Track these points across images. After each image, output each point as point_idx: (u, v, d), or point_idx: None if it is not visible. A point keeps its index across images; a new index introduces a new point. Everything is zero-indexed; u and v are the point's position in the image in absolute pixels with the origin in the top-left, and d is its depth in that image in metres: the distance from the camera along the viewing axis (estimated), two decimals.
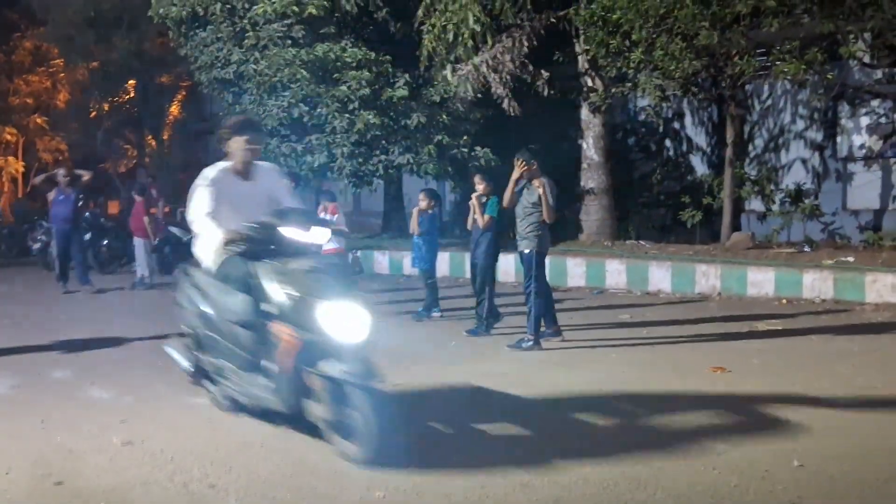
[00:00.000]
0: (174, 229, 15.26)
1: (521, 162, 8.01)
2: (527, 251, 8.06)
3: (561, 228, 16.44)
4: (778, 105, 16.50)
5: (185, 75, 28.73)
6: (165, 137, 34.67)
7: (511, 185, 8.15)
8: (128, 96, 33.25)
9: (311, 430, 5.39)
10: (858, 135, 15.32)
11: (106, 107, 32.75)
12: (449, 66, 14.31)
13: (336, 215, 10.34)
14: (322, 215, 10.48)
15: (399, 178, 17.19)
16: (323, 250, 10.51)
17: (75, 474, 4.62)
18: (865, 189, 15.29)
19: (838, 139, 15.63)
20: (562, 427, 5.47)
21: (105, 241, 16.26)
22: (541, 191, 7.94)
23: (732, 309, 10.56)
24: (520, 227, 8.15)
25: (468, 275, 11.22)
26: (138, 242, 13.80)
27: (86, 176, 13.92)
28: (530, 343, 7.93)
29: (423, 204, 10.00)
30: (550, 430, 5.39)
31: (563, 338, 8.32)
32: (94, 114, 33.62)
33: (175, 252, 15.39)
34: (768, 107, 16.59)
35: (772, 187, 15.30)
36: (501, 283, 12.39)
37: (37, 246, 17.17)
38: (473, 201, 9.06)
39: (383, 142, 14.95)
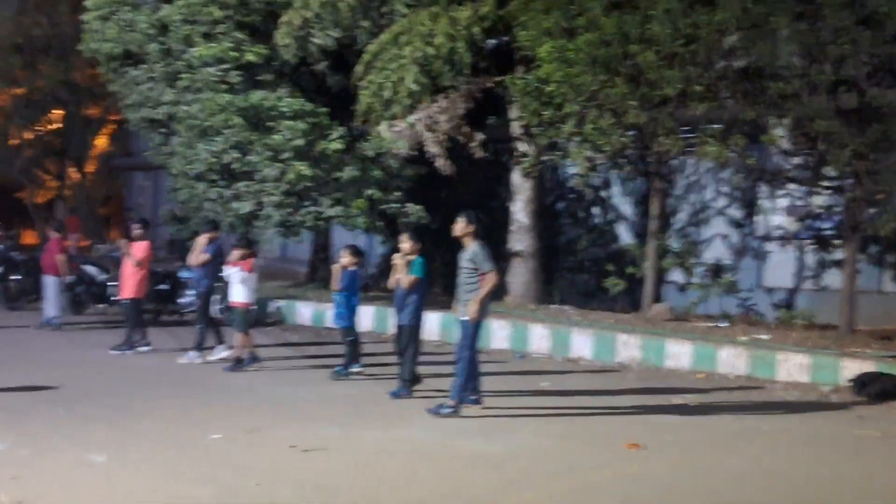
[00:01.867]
0: (89, 267, 14.85)
1: (464, 222, 8.04)
2: (465, 318, 8.00)
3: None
4: (701, 182, 17.02)
5: (113, 108, 28.19)
6: (89, 170, 33.81)
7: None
8: (51, 126, 32.37)
9: (216, 493, 5.19)
10: (776, 215, 15.89)
11: (27, 135, 31.79)
12: (385, 123, 14.35)
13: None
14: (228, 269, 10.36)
15: (328, 229, 17.05)
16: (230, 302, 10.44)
17: None
18: (781, 268, 15.81)
19: (757, 218, 16.18)
20: (472, 501, 5.37)
21: (15, 276, 15.58)
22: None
23: (650, 380, 10.68)
24: (460, 291, 8.10)
25: (392, 330, 11.14)
26: (50, 280, 13.27)
27: None
28: (450, 409, 7.83)
29: (345, 260, 9.89)
30: None
31: (482, 405, 8.25)
32: (15, 141, 32.60)
33: (88, 292, 14.90)
34: (692, 182, 17.10)
35: (692, 260, 15.70)
36: (426, 341, 12.33)
37: None
38: (397, 260, 8.95)
39: (314, 193, 14.83)
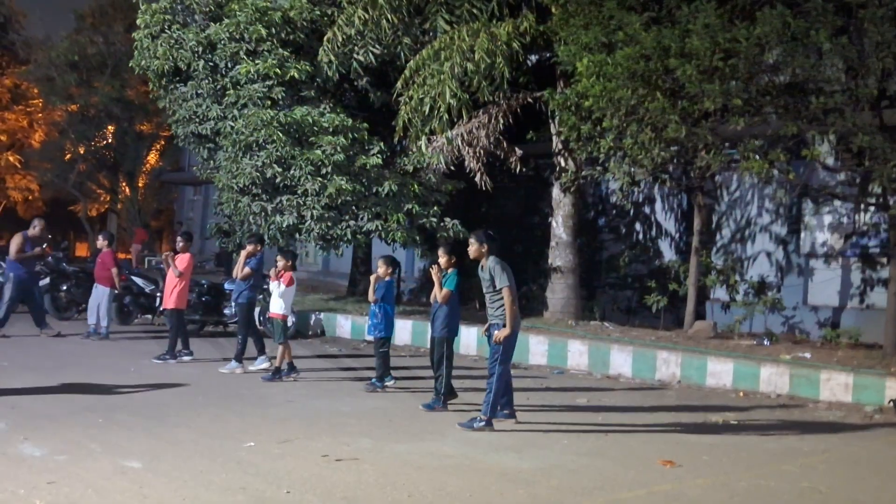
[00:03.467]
0: (137, 279, 15.17)
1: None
2: (495, 333, 8.02)
3: (526, 304, 16.50)
4: (745, 198, 16.80)
5: (164, 124, 28.85)
6: (140, 185, 34.57)
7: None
8: (105, 141, 33.21)
9: (247, 502, 5.25)
10: (821, 232, 15.59)
11: (82, 149, 32.65)
12: (424, 138, 14.45)
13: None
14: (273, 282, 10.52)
15: (368, 242, 17.18)
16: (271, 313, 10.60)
17: None
18: (826, 286, 15.49)
19: (802, 235, 15.89)
20: None
21: (65, 287, 15.97)
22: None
23: (690, 399, 10.54)
24: (489, 308, 8.13)
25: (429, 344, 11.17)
26: (101, 291, 13.56)
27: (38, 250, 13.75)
28: (482, 423, 7.82)
29: (381, 271, 9.96)
30: None
31: (516, 420, 8.22)
32: (69, 156, 33.50)
33: (135, 302, 15.23)
34: (736, 199, 16.89)
35: (736, 278, 15.48)
36: (462, 355, 12.35)
37: None
38: (434, 274, 9.03)
39: (353, 207, 14.98)
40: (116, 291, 13.89)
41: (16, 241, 13.29)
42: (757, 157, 12.00)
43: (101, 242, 13.92)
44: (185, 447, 6.68)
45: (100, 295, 13.54)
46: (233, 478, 5.85)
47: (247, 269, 11.01)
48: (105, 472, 5.82)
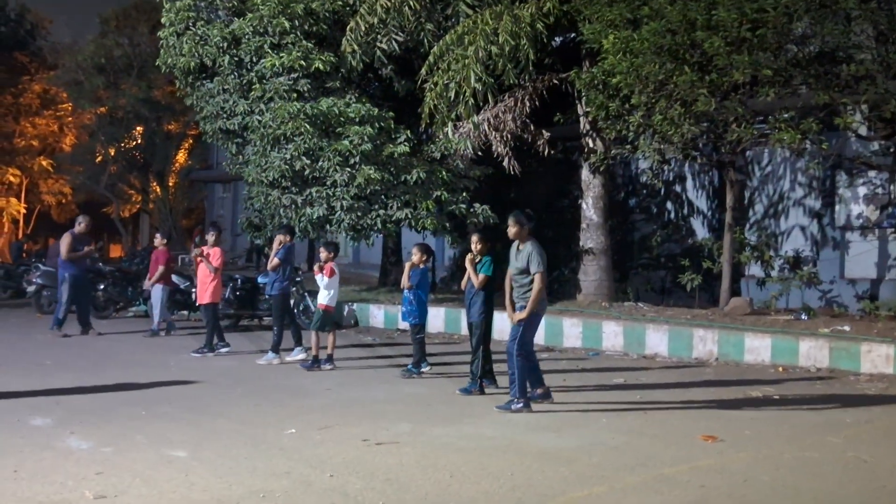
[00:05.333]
0: (174, 276, 15.32)
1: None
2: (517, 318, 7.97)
3: (559, 288, 16.45)
4: (777, 172, 16.58)
5: (192, 123, 29.09)
6: (171, 184, 34.92)
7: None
8: (134, 142, 33.57)
9: (291, 487, 5.30)
10: (856, 204, 15.35)
11: (112, 151, 33.04)
12: (450, 124, 14.42)
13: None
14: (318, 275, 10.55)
15: (398, 232, 17.21)
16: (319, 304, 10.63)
17: None
18: (862, 258, 15.25)
19: (836, 208, 15.66)
20: (539, 499, 5.34)
21: (102, 286, 16.20)
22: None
23: (728, 375, 10.45)
24: (516, 290, 8.09)
25: (463, 331, 11.17)
26: (156, 289, 13.68)
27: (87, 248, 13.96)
28: (520, 405, 7.81)
29: (415, 258, 9.98)
30: (527, 501, 5.26)
31: (552, 400, 8.20)
32: (99, 158, 33.93)
33: (169, 299, 15.39)
34: (768, 173, 16.67)
35: (771, 253, 15.31)
36: (496, 340, 12.32)
37: (32, 288, 17.12)
38: (468, 262, 9.02)
39: (382, 196, 15.00)
40: (171, 288, 14.05)
41: (65, 242, 13.40)
42: (788, 128, 11.83)
43: (158, 240, 14.01)
44: (228, 436, 6.76)
45: (154, 292, 13.69)
46: (276, 463, 5.90)
47: (275, 260, 11.07)
48: (151, 461, 5.90)
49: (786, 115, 12.11)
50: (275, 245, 11.40)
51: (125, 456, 6.03)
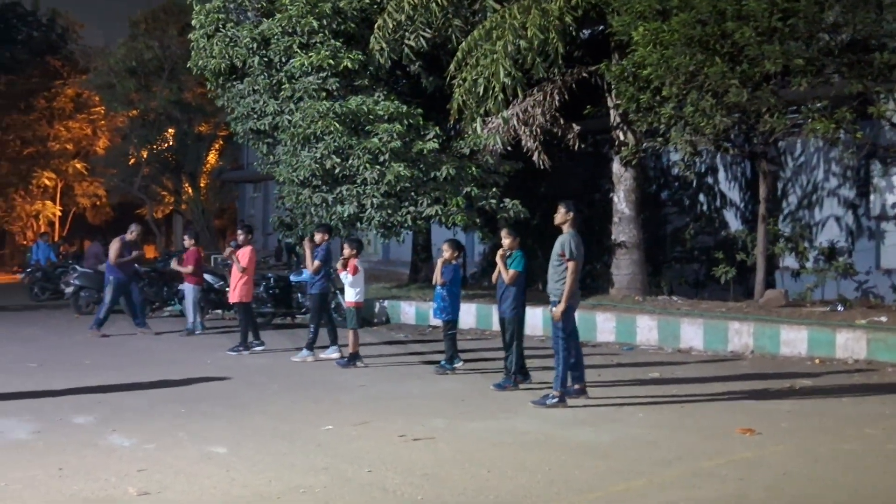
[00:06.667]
0: (208, 276, 15.51)
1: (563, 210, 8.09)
2: (554, 309, 7.99)
3: (591, 282, 16.38)
4: (810, 162, 16.37)
5: (222, 124, 29.38)
6: (202, 185, 35.28)
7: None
8: (166, 144, 33.96)
9: (330, 482, 5.36)
10: (891, 193, 15.10)
11: (144, 153, 33.45)
12: (479, 120, 14.41)
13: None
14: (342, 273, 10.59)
15: (427, 228, 17.24)
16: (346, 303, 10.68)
17: None
18: None
19: (871, 197, 15.42)
20: (577, 493, 5.34)
21: (138, 287, 16.39)
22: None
23: (765, 368, 10.35)
24: (550, 281, 8.09)
25: (495, 327, 11.17)
26: (188, 288, 13.86)
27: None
28: (555, 400, 7.81)
29: (446, 254, 9.99)
30: (565, 496, 5.27)
31: (588, 396, 8.19)
32: (132, 160, 34.36)
33: (207, 298, 15.57)
34: (801, 164, 16.46)
35: (805, 245, 15.12)
36: (528, 336, 12.31)
37: (70, 289, 17.41)
38: (498, 258, 9.02)
39: (412, 193, 15.04)
40: (203, 288, 14.22)
41: (115, 247, 13.72)
42: (822, 117, 11.68)
43: (188, 241, 14.18)
44: (266, 432, 6.84)
45: (188, 292, 13.87)
46: (314, 459, 5.97)
47: (316, 263, 11.11)
48: (192, 458, 5.99)
49: (819, 105, 11.96)
50: (307, 244, 11.46)
51: (167, 453, 6.13)
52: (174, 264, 14.38)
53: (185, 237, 14.56)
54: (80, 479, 5.43)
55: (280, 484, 5.36)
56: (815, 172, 16.24)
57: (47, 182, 36.87)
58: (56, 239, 35.04)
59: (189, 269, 13.67)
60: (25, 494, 5.11)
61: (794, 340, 11.25)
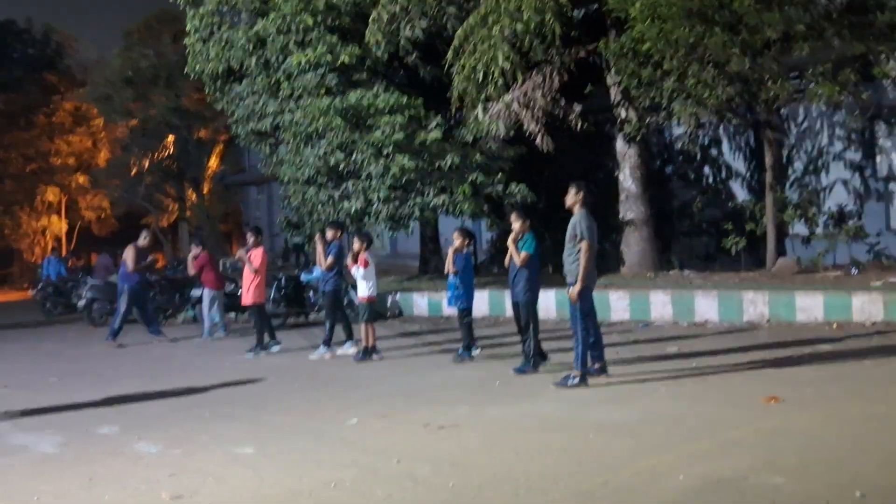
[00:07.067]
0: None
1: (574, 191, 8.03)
2: (570, 289, 7.96)
3: (601, 262, 16.35)
4: (815, 127, 16.29)
5: (222, 129, 29.36)
6: (205, 191, 35.29)
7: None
8: (167, 152, 33.96)
9: (360, 475, 5.36)
10: None
11: (146, 163, 33.45)
12: (480, 106, 14.37)
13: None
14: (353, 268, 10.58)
15: (435, 219, 17.23)
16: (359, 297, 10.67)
17: None
18: None
19: (878, 159, 15.36)
20: (607, 471, 5.33)
21: (150, 295, 16.43)
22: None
23: (783, 336, 10.32)
24: (566, 262, 8.06)
25: (508, 313, 11.15)
26: (205, 293, 13.87)
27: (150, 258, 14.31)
28: (576, 380, 7.80)
29: (457, 243, 9.97)
30: (595, 474, 5.26)
31: (608, 374, 8.18)
32: (135, 170, 34.37)
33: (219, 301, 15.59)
34: (805, 129, 16.39)
35: (814, 210, 15.07)
36: (542, 319, 12.30)
37: (82, 302, 17.44)
38: (510, 241, 8.99)
39: (418, 184, 15.02)
40: (224, 292, 14.23)
41: (130, 254, 13.59)
42: (825, 81, 11.61)
43: (195, 250, 14.12)
44: (290, 431, 6.85)
45: (206, 296, 13.89)
46: (341, 454, 5.96)
47: (330, 259, 11.08)
48: (220, 460, 6.00)
49: (821, 69, 11.89)
50: (318, 241, 11.45)
51: (194, 457, 6.14)
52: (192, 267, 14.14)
53: (192, 246, 14.55)
54: (110, 488, 5.44)
55: (310, 480, 5.36)
56: (820, 137, 16.17)
57: (51, 197, 36.93)
58: (64, 253, 35.10)
59: (193, 271, 13.75)
60: None
61: (810, 306, 11.21)
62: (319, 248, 11.37)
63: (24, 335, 16.58)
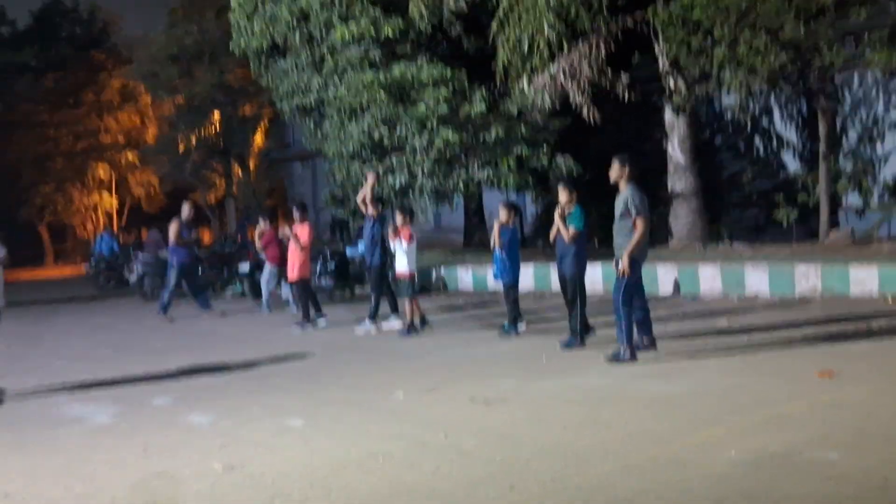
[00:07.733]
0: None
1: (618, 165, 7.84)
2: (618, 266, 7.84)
3: (650, 234, 16.14)
4: (870, 96, 15.83)
5: (266, 104, 29.50)
6: (251, 166, 35.58)
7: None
8: (213, 128, 34.25)
9: (408, 447, 5.38)
10: None
11: (193, 139, 33.79)
12: (525, 77, 14.20)
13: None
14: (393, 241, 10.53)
15: (479, 193, 17.16)
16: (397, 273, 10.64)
17: (178, 502, 4.69)
18: None
19: None
20: (656, 444, 5.28)
21: (200, 270, 16.69)
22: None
23: (836, 309, 10.11)
24: (616, 236, 7.92)
25: (554, 287, 11.08)
26: (268, 268, 13.99)
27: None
28: (626, 355, 7.72)
29: (503, 217, 9.89)
30: (644, 447, 5.21)
31: (657, 349, 8.08)
32: (182, 147, 34.77)
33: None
34: (860, 98, 15.93)
35: (869, 181, 14.69)
36: (589, 294, 12.22)
37: (133, 277, 17.78)
38: (557, 216, 8.88)
39: (462, 158, 14.96)
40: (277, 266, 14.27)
41: (174, 228, 13.65)
42: (882, 47, 11.25)
43: (262, 226, 14.16)
44: (339, 403, 6.90)
45: (265, 271, 14.01)
46: (390, 426, 6.00)
47: (370, 208, 10.93)
48: (270, 431, 6.07)
49: (878, 35, 11.51)
50: (369, 178, 11.24)
51: (245, 428, 6.22)
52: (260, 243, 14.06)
53: (260, 221, 14.52)
54: (165, 458, 5.55)
55: (359, 451, 5.40)
56: (875, 106, 15.72)
57: (102, 174, 37.60)
58: (115, 229, 35.77)
59: (260, 246, 13.77)
60: (114, 475, 5.24)
61: (865, 279, 10.95)
62: (369, 186, 11.12)
63: (78, 309, 16.96)
